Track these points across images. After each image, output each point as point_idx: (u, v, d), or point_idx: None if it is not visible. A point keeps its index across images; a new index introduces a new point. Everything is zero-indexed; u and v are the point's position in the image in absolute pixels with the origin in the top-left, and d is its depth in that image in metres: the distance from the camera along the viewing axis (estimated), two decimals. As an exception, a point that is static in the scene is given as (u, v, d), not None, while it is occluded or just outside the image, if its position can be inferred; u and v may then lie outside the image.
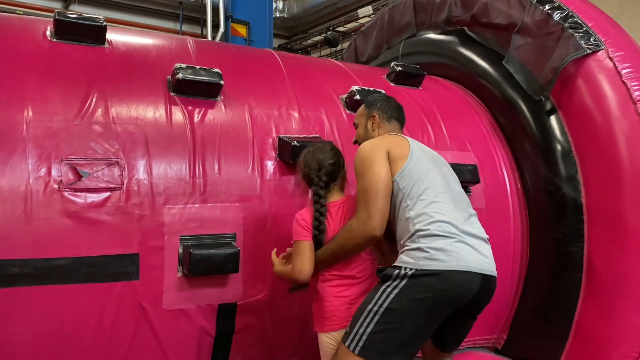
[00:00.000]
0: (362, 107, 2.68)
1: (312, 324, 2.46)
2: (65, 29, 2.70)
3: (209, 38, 9.30)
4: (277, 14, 11.56)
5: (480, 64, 4.02)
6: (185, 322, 2.60)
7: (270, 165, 2.83)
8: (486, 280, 2.17)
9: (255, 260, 2.69)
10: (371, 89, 3.35)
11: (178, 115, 2.70)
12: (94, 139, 2.46)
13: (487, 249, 2.27)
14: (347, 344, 2.13)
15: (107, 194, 2.41)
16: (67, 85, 2.55)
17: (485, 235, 2.33)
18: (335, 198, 2.45)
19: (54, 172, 2.34)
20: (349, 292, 2.34)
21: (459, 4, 4.13)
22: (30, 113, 2.40)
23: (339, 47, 10.82)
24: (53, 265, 2.29)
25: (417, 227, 2.15)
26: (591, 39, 3.29)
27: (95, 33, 2.75)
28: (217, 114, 2.82)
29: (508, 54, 3.67)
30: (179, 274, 2.54)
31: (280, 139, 2.87)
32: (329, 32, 10.75)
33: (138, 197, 2.47)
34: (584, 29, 3.35)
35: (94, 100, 2.55)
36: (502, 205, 3.58)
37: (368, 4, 10.17)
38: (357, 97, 3.24)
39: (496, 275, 2.25)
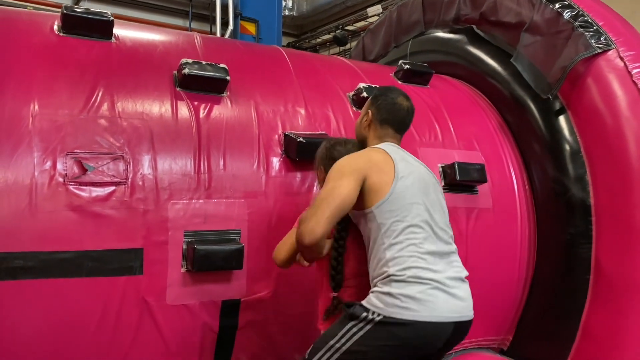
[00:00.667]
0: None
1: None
2: (73, 24, 2.70)
3: (218, 35, 9.31)
4: (287, 12, 11.55)
5: (488, 63, 3.99)
6: (189, 318, 2.59)
7: (275, 161, 2.82)
8: (459, 326, 2.10)
9: (260, 256, 2.68)
10: (378, 86, 3.33)
11: (184, 110, 2.70)
12: (99, 133, 2.46)
13: (464, 290, 2.17)
14: None
15: (112, 188, 2.41)
16: (73, 80, 2.55)
17: (464, 274, 2.23)
18: None
19: (59, 166, 2.35)
20: None
21: (468, 3, 4.11)
22: (37, 106, 2.41)
23: (348, 46, 10.79)
24: (57, 258, 2.29)
25: (392, 271, 2.04)
26: (601, 38, 3.26)
27: (102, 28, 2.75)
28: (223, 109, 2.82)
29: (516, 51, 3.64)
30: (183, 270, 2.53)
31: (286, 136, 2.86)
32: (338, 31, 10.72)
33: (143, 192, 2.47)
34: (595, 28, 3.32)
35: (100, 94, 2.55)
36: (510, 205, 3.55)
37: (377, 2, 10.13)
38: (364, 94, 3.23)
39: (472, 317, 2.17)
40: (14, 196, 2.26)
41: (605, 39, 3.26)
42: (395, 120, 2.39)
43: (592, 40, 3.25)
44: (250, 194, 2.69)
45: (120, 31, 2.91)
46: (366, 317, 2.02)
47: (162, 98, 2.68)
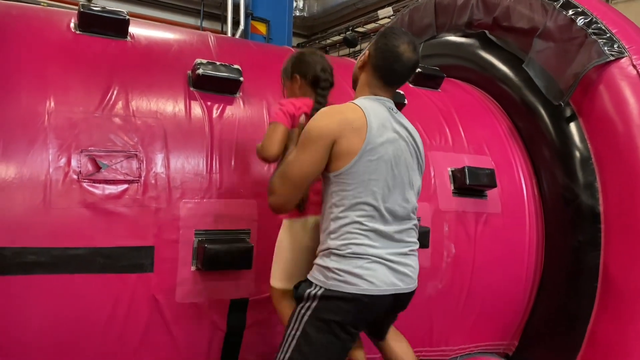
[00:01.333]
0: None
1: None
2: (89, 22, 2.72)
3: (229, 35, 9.35)
4: (297, 13, 11.58)
5: (500, 68, 3.99)
6: (197, 316, 2.61)
7: (286, 162, 2.83)
8: (399, 297, 2.14)
9: (269, 256, 2.69)
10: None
11: (197, 110, 2.72)
12: (113, 131, 2.48)
13: (408, 263, 2.16)
14: None
15: (125, 186, 2.43)
16: (88, 77, 2.58)
17: (412, 247, 2.21)
18: None
19: (73, 163, 2.37)
20: None
21: (481, 7, 4.10)
22: (52, 104, 2.43)
23: (358, 48, 10.81)
24: (70, 254, 2.31)
25: (333, 244, 2.06)
26: (615, 46, 3.25)
27: (118, 26, 2.78)
28: (236, 110, 2.84)
29: (528, 57, 3.63)
30: (193, 268, 2.55)
31: (297, 137, 2.88)
32: (348, 32, 10.74)
33: (155, 190, 2.49)
34: (608, 35, 3.31)
35: (114, 92, 2.57)
36: (518, 210, 3.55)
37: (389, 5, 10.15)
38: (376, 97, 3.23)
39: (413, 289, 2.20)
40: (29, 192, 2.29)
41: (618, 47, 3.25)
42: (388, 70, 2.17)
43: (605, 48, 3.25)
44: (260, 195, 2.70)
45: (136, 30, 2.94)
46: (310, 293, 2.07)
47: (176, 97, 2.70)
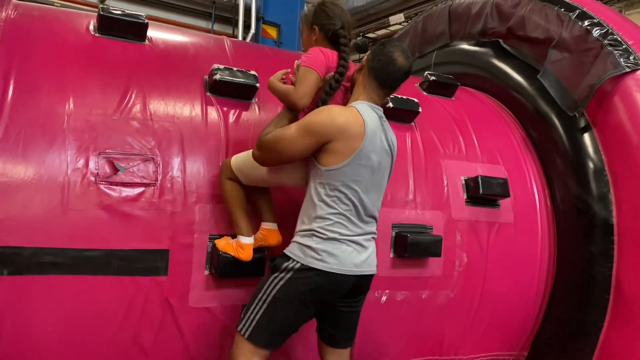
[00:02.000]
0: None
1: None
2: (108, 25, 2.74)
3: (240, 38, 9.38)
4: (308, 18, 11.59)
5: (513, 77, 3.99)
6: (210, 321, 2.62)
7: (301, 168, 2.84)
8: (360, 279, 2.36)
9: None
10: (404, 97, 3.35)
11: (213, 115, 2.73)
12: (131, 134, 2.50)
13: (369, 249, 2.40)
14: (239, 328, 2.32)
15: (142, 189, 2.45)
16: (107, 80, 2.60)
17: (375, 235, 2.45)
18: None
19: (91, 165, 2.39)
20: None
21: (495, 16, 4.10)
22: (72, 105, 2.45)
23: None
24: (86, 256, 2.33)
25: (315, 227, 2.28)
26: (630, 57, 3.25)
27: (136, 30, 2.80)
28: (251, 115, 2.85)
29: (543, 68, 3.63)
30: (206, 272, 2.56)
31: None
32: (358, 38, 10.73)
33: (171, 194, 2.50)
34: (624, 46, 3.30)
35: (132, 96, 2.59)
36: (531, 220, 3.54)
37: (400, 11, 10.16)
38: (390, 104, 3.24)
39: (373, 272, 2.43)
40: (47, 193, 2.30)
41: (634, 58, 3.24)
42: (382, 73, 2.36)
43: (621, 59, 3.24)
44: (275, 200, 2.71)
45: (153, 33, 2.96)
46: (287, 266, 2.28)
47: (193, 102, 2.72)
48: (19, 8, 2.78)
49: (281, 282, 2.28)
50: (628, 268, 3.13)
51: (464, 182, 3.34)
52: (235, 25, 9.90)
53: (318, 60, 2.40)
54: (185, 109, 2.68)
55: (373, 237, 2.45)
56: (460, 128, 3.58)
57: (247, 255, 2.50)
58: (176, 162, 2.55)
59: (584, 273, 3.34)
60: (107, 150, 2.43)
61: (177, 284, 2.50)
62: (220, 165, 2.62)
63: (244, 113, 2.82)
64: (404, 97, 3.35)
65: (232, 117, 2.77)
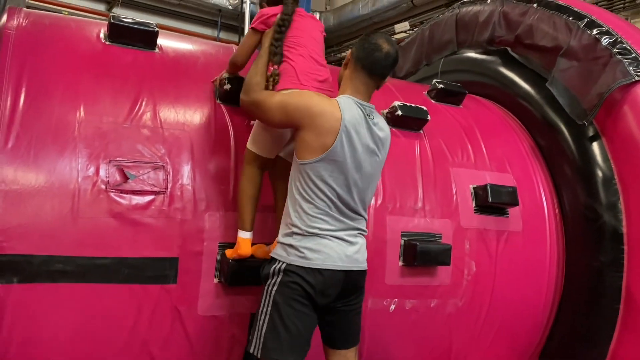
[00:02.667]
0: None
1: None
2: (119, 33, 2.76)
3: (246, 46, 9.41)
4: (313, 26, 11.62)
5: (521, 85, 3.98)
6: (218, 329, 2.61)
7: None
8: (351, 275, 2.31)
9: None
10: (413, 105, 3.35)
11: (223, 124, 2.73)
12: (141, 142, 2.50)
13: (358, 245, 2.36)
14: (250, 350, 2.26)
15: (152, 197, 2.45)
16: (118, 88, 2.61)
17: (364, 233, 2.42)
18: None
19: (101, 173, 2.39)
20: None
21: (503, 25, 4.10)
22: (82, 113, 2.46)
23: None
24: (96, 264, 2.33)
25: (296, 225, 2.26)
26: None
27: (147, 38, 2.81)
28: (260, 124, 2.84)
29: (552, 76, 3.62)
30: (215, 281, 2.56)
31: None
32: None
33: (181, 202, 2.50)
34: (633, 55, 3.30)
35: (143, 103, 2.60)
36: (539, 228, 3.53)
37: (405, 19, 10.18)
38: (399, 112, 3.24)
39: (364, 268, 2.38)
40: (58, 200, 2.31)
41: (643, 67, 3.24)
42: (369, 61, 2.32)
43: (631, 68, 3.24)
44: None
45: (163, 41, 2.97)
46: (274, 269, 2.26)
47: (203, 110, 2.73)
48: (31, 16, 2.80)
49: (275, 287, 2.24)
50: (639, 277, 3.11)
51: (472, 190, 3.33)
52: (241, 33, 9.95)
53: (256, 19, 2.58)
54: (195, 116, 2.69)
55: (360, 234, 2.39)
56: (468, 136, 3.58)
57: (245, 250, 2.48)
58: (186, 169, 2.55)
59: (594, 282, 3.33)
60: (118, 158, 2.43)
61: (186, 292, 2.50)
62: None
63: (252, 122, 2.82)
64: (413, 105, 3.35)
65: (241, 125, 2.77)
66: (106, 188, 2.38)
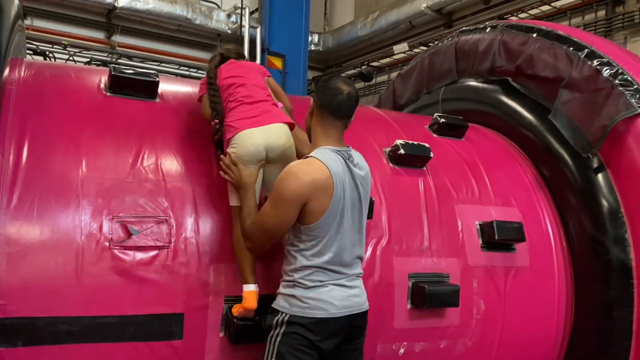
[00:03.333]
0: None
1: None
2: (120, 84, 2.76)
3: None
4: (312, 47, 11.68)
5: (524, 115, 3.96)
6: (225, 383, 2.57)
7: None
8: (354, 318, 2.34)
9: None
10: (415, 142, 3.33)
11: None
12: (144, 196, 2.49)
13: (357, 287, 2.39)
14: None
15: (155, 252, 2.43)
16: (119, 141, 2.61)
17: (359, 273, 2.44)
18: None
19: (105, 229, 2.38)
20: None
21: (503, 54, 4.09)
22: (85, 169, 2.45)
23: (373, 82, 10.85)
24: (100, 323, 2.31)
25: (299, 277, 2.28)
26: (642, 98, 3.23)
27: (148, 88, 2.81)
28: (263, 170, 2.83)
29: (555, 108, 3.60)
30: (221, 334, 2.52)
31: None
32: (363, 67, 10.79)
33: (185, 256, 2.48)
34: (635, 87, 3.29)
35: (145, 156, 2.59)
36: (547, 262, 3.49)
37: (404, 40, 10.21)
38: (402, 151, 3.22)
39: (365, 309, 2.40)
40: (62, 260, 2.30)
41: (645, 99, 3.22)
42: (333, 104, 2.36)
43: (633, 100, 3.22)
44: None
45: (164, 87, 2.96)
46: (277, 320, 2.28)
47: (205, 161, 2.71)
48: (31, 68, 2.81)
49: (279, 338, 2.25)
50: (650, 313, 3.07)
51: (478, 227, 3.30)
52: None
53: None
54: (197, 167, 2.67)
55: (358, 276, 2.43)
56: (472, 170, 3.55)
57: (251, 304, 2.46)
58: (189, 222, 2.54)
59: (604, 317, 3.28)
60: (121, 214, 2.42)
61: (192, 348, 2.47)
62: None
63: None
64: (415, 142, 3.33)
65: (244, 173, 2.75)
66: (110, 245, 2.36)
